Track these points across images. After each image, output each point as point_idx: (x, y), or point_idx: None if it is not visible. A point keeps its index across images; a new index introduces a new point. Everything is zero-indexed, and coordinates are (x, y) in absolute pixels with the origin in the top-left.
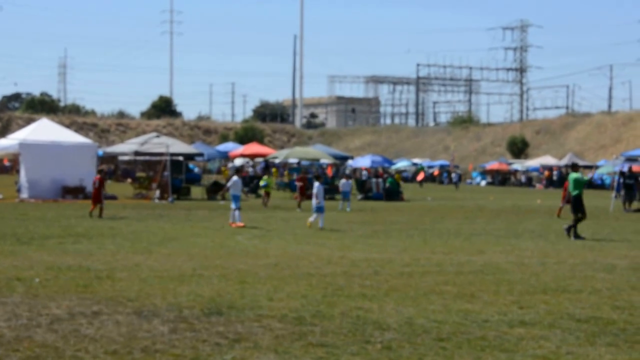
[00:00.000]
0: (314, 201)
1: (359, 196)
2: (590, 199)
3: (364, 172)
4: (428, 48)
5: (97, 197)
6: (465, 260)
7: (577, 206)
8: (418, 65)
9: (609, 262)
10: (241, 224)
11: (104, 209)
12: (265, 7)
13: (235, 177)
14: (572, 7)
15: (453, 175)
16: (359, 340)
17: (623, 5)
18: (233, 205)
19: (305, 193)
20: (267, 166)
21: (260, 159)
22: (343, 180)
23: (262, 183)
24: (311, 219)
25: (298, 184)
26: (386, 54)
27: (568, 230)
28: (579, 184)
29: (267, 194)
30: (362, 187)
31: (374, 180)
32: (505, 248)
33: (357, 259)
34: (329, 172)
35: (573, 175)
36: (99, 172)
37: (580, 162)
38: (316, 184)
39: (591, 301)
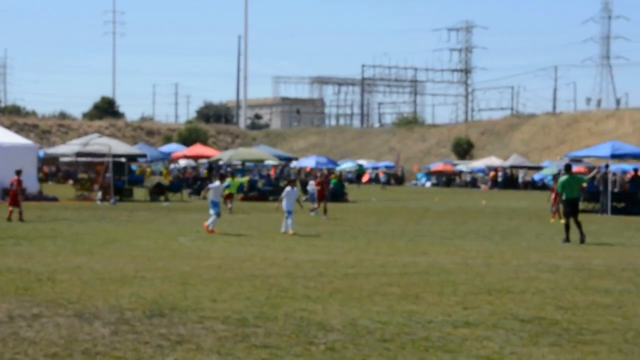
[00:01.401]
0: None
1: (303, 197)
2: (534, 200)
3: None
4: (373, 49)
5: (15, 199)
6: (410, 261)
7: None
8: (363, 66)
9: (553, 263)
10: (215, 231)
11: (24, 212)
12: (209, 8)
13: (217, 182)
14: (517, 8)
15: (381, 176)
16: (302, 341)
17: (568, 7)
18: (212, 211)
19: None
20: (211, 167)
21: (203, 161)
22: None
23: (225, 184)
24: (290, 228)
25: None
26: (331, 54)
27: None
28: (573, 186)
29: (229, 195)
30: (305, 188)
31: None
32: (449, 249)
33: (301, 260)
34: (272, 173)
35: (564, 178)
36: (17, 173)
37: (525, 163)
38: (288, 188)
39: (535, 302)
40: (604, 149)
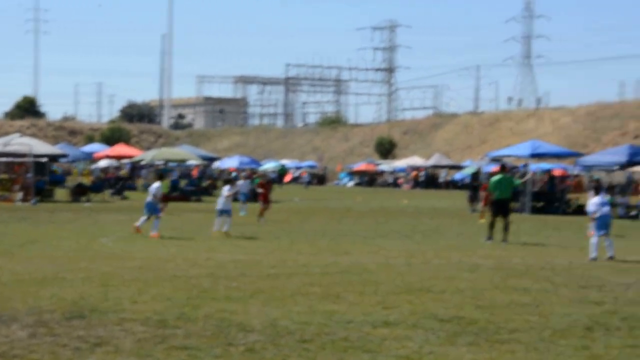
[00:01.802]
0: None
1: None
2: (455, 199)
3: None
4: (297, 48)
5: None
6: (332, 261)
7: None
8: (287, 65)
9: (473, 262)
10: (140, 230)
11: None
12: (132, 6)
13: (157, 183)
14: (441, 8)
15: (304, 175)
16: (222, 342)
17: (490, 6)
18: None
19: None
20: (134, 167)
21: (126, 161)
22: (241, 181)
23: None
24: (218, 226)
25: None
26: (255, 54)
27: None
28: (505, 186)
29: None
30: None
31: (241, 181)
32: (371, 249)
33: (224, 260)
34: (195, 173)
35: (496, 178)
36: None
37: (447, 162)
38: (226, 187)
39: (454, 301)
40: (524, 148)
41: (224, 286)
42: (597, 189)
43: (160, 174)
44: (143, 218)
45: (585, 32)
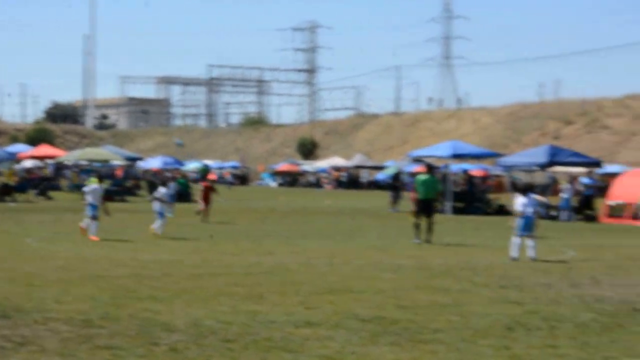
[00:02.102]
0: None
1: (148, 197)
2: (377, 199)
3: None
4: (219, 49)
5: None
6: (255, 261)
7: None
8: (209, 65)
9: (395, 262)
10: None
11: None
12: (54, 7)
13: (95, 185)
14: (361, 9)
15: (228, 176)
16: (145, 342)
17: (410, 7)
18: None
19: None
20: (58, 168)
21: (50, 161)
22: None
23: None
24: (155, 225)
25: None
26: (177, 54)
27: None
28: (430, 186)
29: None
30: (153, 188)
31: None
32: (293, 249)
33: (147, 260)
34: (119, 173)
35: (422, 177)
36: None
37: (368, 163)
38: (162, 189)
39: (376, 301)
40: (445, 149)
41: (148, 286)
42: (525, 189)
43: (99, 175)
44: (94, 223)
45: (504, 33)
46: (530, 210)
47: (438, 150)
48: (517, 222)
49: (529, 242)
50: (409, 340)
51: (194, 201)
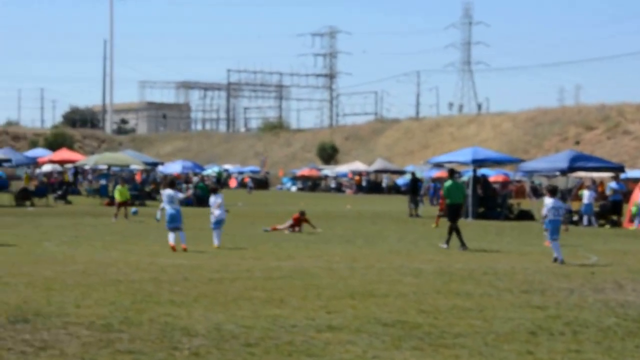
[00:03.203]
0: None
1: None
2: (397, 204)
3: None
4: (239, 54)
5: None
6: (275, 265)
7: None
8: (229, 71)
9: (416, 267)
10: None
11: None
12: (74, 12)
13: (170, 190)
14: (380, 14)
15: (248, 180)
16: (166, 346)
17: (430, 13)
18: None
19: None
20: (77, 172)
21: (69, 165)
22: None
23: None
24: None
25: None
26: (197, 59)
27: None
28: (457, 191)
29: (122, 204)
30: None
31: (184, 185)
32: (314, 253)
33: (166, 265)
34: (138, 178)
35: (448, 183)
36: None
37: (389, 168)
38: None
39: (397, 305)
40: (465, 155)
41: (168, 290)
42: (552, 192)
43: (172, 181)
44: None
45: (524, 38)
46: (556, 214)
47: (458, 156)
48: (546, 226)
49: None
50: (431, 345)
51: None
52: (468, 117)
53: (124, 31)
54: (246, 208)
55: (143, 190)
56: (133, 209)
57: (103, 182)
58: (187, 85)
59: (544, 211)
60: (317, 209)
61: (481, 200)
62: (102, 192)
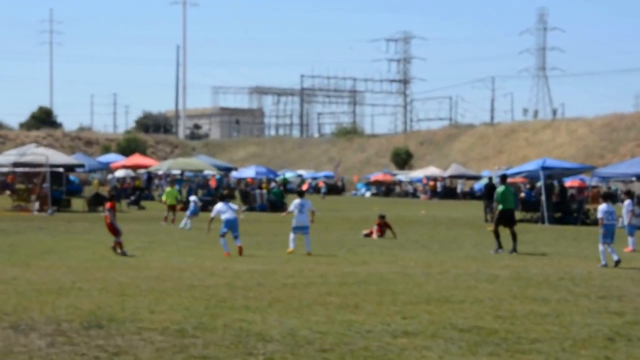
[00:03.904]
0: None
1: (243, 207)
2: (472, 209)
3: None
4: (312, 59)
5: None
6: (349, 271)
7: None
8: (302, 76)
9: (492, 272)
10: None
11: None
12: (147, 18)
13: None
14: (455, 20)
15: (322, 186)
16: (241, 352)
17: (504, 18)
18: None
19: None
20: (150, 177)
21: (142, 171)
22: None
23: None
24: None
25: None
26: (270, 65)
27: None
28: (509, 196)
29: (171, 207)
30: (246, 198)
31: (257, 191)
32: (389, 258)
33: (240, 270)
34: (212, 183)
35: (501, 188)
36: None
37: (464, 173)
38: (297, 200)
39: (473, 311)
40: (536, 166)
41: (242, 296)
42: (605, 197)
43: (222, 195)
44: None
45: (600, 44)
46: (610, 218)
47: (528, 167)
48: (602, 230)
49: (609, 248)
50: (507, 350)
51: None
52: (543, 122)
53: (197, 36)
54: (320, 214)
55: (217, 195)
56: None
57: (177, 187)
58: (261, 91)
59: (599, 215)
60: (391, 214)
61: (558, 205)
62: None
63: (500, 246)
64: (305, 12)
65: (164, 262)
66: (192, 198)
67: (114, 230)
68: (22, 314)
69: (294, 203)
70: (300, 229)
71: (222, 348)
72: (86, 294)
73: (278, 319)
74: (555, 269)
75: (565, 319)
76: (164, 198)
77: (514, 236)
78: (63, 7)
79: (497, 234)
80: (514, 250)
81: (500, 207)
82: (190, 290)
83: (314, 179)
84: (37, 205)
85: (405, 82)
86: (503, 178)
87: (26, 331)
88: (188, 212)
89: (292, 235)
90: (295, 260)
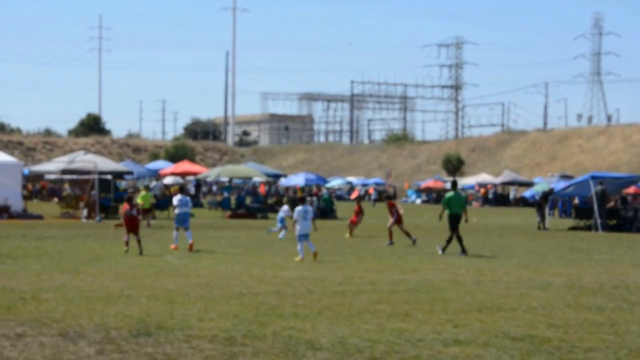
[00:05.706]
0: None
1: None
2: (525, 216)
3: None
4: (362, 65)
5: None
6: (400, 278)
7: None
8: (352, 82)
9: (544, 280)
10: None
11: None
12: (196, 24)
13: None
14: (508, 25)
15: (372, 193)
16: None
17: (558, 23)
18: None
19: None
20: (199, 184)
21: (191, 178)
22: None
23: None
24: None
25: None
26: (320, 71)
27: (443, 249)
28: (457, 202)
29: (147, 210)
30: (294, 205)
31: (307, 198)
32: (439, 266)
33: (290, 277)
34: (262, 190)
35: (450, 194)
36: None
37: (516, 180)
38: (300, 207)
39: (526, 319)
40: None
41: (291, 304)
42: None
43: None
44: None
45: None
46: None
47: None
48: None
49: None
50: (560, 359)
51: (336, 217)
52: (597, 128)
53: (246, 42)
54: (370, 221)
55: (266, 202)
56: (269, 227)
57: (225, 194)
58: (310, 97)
59: None
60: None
61: (612, 213)
62: (225, 204)
63: (464, 251)
64: (356, 17)
65: (213, 269)
66: (285, 208)
67: (130, 227)
68: (70, 322)
69: (297, 210)
70: (306, 237)
71: (271, 356)
72: (135, 302)
73: (328, 327)
74: (609, 277)
75: (620, 328)
76: (139, 201)
77: (459, 239)
78: (112, 14)
79: (459, 238)
80: (464, 251)
81: (447, 211)
82: (239, 297)
83: (364, 185)
84: (85, 212)
85: (457, 87)
86: (453, 184)
87: (75, 339)
88: (279, 224)
89: (299, 245)
90: (345, 267)
